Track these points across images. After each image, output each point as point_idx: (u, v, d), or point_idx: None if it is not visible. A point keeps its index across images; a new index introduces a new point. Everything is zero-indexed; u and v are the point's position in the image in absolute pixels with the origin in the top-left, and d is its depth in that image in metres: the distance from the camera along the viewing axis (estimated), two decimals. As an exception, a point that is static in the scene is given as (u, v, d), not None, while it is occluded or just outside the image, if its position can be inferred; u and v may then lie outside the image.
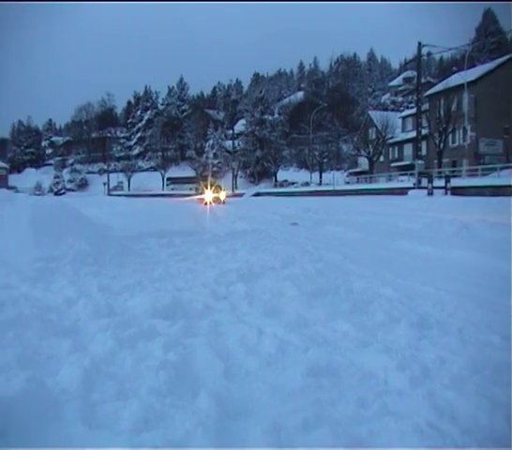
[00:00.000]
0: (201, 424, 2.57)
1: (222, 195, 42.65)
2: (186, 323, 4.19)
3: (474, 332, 4.04)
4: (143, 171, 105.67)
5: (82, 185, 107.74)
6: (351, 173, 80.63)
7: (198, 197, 43.16)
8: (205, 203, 36.68)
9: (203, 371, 3.28)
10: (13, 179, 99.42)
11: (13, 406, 2.72)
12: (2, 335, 3.85)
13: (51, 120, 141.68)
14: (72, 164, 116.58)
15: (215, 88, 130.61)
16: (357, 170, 78.87)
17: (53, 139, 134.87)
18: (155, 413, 2.71)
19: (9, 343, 3.68)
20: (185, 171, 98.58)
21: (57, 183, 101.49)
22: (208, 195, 39.67)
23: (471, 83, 49.71)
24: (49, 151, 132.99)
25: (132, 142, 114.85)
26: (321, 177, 77.98)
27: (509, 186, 27.21)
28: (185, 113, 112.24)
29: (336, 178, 65.04)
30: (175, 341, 3.71)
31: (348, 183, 69.30)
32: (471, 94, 50.20)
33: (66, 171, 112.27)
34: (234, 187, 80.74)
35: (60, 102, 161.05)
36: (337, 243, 10.34)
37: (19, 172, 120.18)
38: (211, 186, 42.68)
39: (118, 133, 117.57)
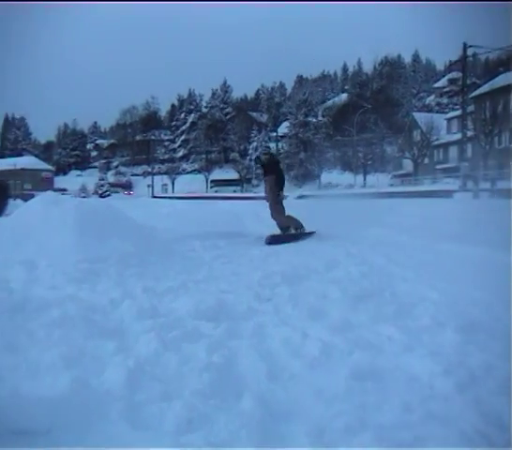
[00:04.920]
0: (244, 426, 2.57)
1: None
2: (230, 325, 4.19)
3: (522, 337, 3.96)
4: (187, 173, 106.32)
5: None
6: (395, 176, 79.88)
7: None
8: None
9: (247, 374, 3.28)
10: (59, 181, 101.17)
11: (59, 405, 2.75)
12: (48, 335, 3.91)
13: (96, 123, 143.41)
14: (117, 166, 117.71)
15: (258, 90, 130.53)
16: (402, 172, 78.18)
17: (98, 141, 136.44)
18: (199, 415, 2.72)
19: (55, 343, 3.72)
20: (228, 173, 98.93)
21: (102, 185, 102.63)
22: None
23: (518, 84, 48.93)
24: (94, 153, 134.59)
25: (176, 145, 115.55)
26: (365, 180, 77.55)
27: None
28: (228, 116, 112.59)
29: (380, 181, 64.53)
30: (219, 343, 3.72)
31: (392, 185, 68.56)
32: (518, 95, 49.45)
33: (110, 173, 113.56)
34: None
35: (105, 105, 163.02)
36: (381, 245, 10.24)
37: (64, 174, 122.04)
38: None
39: (162, 136, 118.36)
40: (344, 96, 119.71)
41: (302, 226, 11.58)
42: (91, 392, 2.95)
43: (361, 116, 76.90)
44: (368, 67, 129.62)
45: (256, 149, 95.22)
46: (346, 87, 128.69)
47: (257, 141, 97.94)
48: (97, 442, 2.53)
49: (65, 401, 2.80)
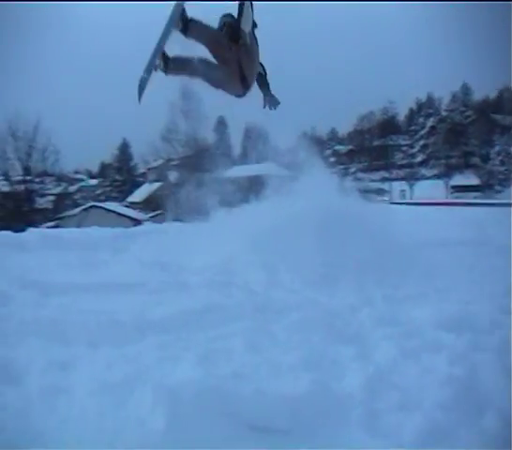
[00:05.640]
0: (486, 445, 2.47)
1: None
2: (472, 337, 4.03)
3: None
4: (426, 179, 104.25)
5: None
6: None
7: None
8: None
9: (491, 389, 3.14)
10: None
11: (299, 406, 2.82)
12: (289, 337, 4.03)
13: (334, 129, 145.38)
14: (354, 172, 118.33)
15: (501, 91, 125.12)
16: None
17: (336, 148, 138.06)
18: (439, 428, 2.66)
19: (296, 346, 3.83)
20: (469, 179, 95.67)
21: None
22: None
23: None
24: (332, 160, 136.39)
25: (415, 150, 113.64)
26: None
27: None
28: (469, 119, 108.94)
29: None
30: (461, 356, 3.59)
31: None
32: None
33: (348, 179, 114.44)
34: (522, 195, 76.81)
35: (343, 112, 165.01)
36: None
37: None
38: None
39: (400, 141, 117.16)
40: None
41: None
42: (330, 396, 3.00)
43: None
44: None
45: (499, 153, 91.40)
46: None
47: (500, 144, 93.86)
48: (335, 446, 2.56)
49: (305, 403, 2.87)
